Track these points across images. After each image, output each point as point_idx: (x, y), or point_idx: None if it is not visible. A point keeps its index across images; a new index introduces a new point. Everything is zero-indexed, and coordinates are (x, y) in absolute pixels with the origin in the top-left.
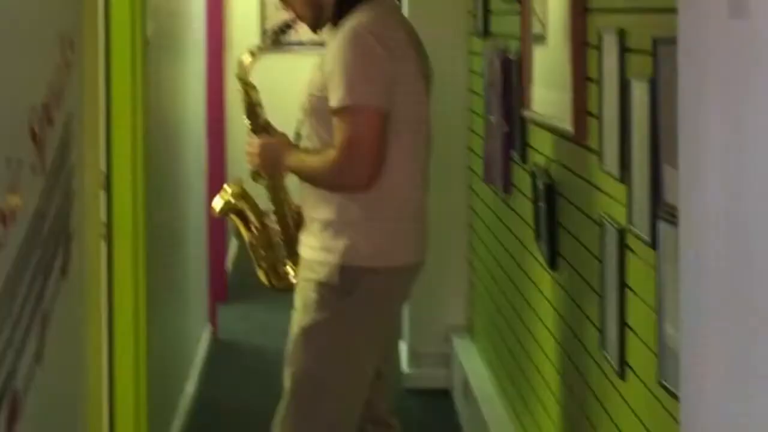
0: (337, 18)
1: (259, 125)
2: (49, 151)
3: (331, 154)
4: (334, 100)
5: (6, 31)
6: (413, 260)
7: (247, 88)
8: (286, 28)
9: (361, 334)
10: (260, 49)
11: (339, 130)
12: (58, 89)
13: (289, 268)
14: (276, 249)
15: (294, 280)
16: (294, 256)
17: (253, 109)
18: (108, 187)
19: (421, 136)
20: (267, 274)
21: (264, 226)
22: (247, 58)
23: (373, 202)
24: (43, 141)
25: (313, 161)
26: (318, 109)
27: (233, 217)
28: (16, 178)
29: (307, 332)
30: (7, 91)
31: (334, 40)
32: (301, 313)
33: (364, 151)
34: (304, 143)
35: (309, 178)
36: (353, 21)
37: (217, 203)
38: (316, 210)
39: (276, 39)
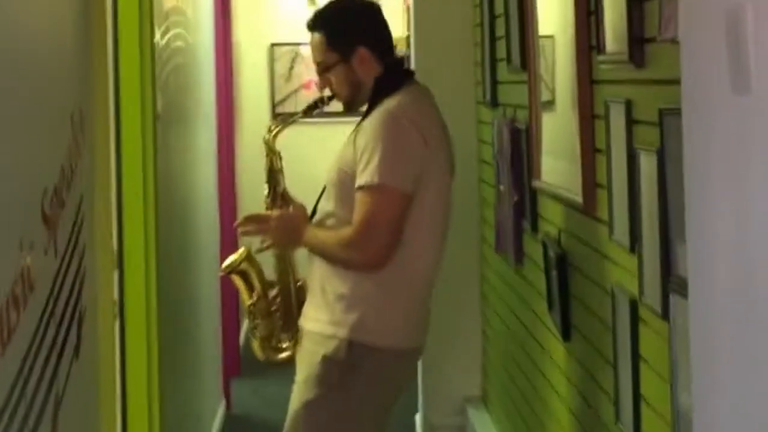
0: (373, 100)
1: (278, 193)
2: (62, 233)
3: (348, 230)
4: (364, 176)
5: (18, 114)
6: (417, 344)
7: (272, 155)
8: (320, 103)
9: (363, 411)
10: (290, 118)
11: (361, 206)
12: (69, 170)
13: (282, 343)
14: (273, 320)
15: (286, 355)
16: (290, 330)
17: (274, 176)
18: (120, 266)
19: (442, 220)
20: (261, 345)
21: (265, 295)
22: (275, 126)
23: (389, 280)
24: (56, 223)
25: (327, 237)
26: (345, 184)
27: (236, 278)
28: (29, 261)
29: (309, 406)
30: (19, 175)
31: (370, 120)
32: (303, 387)
33: (381, 230)
34: (322, 217)
35: (323, 254)
36: (391, 103)
37: (226, 264)
38: (330, 282)
39: (307, 112)
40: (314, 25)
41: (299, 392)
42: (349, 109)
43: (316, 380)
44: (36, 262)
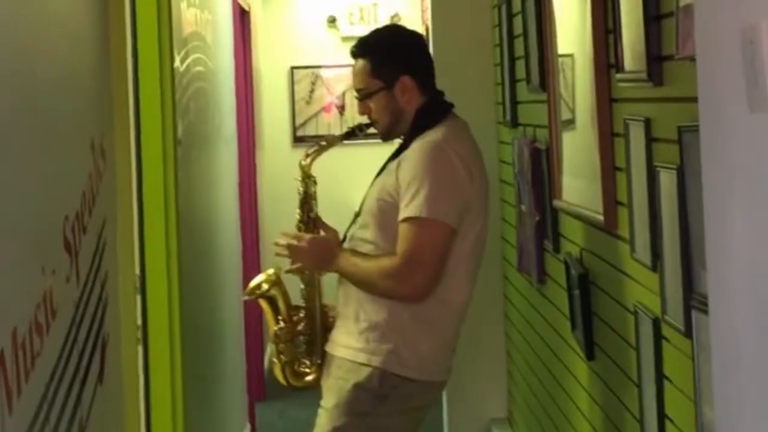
0: (413, 130)
1: (310, 218)
2: (83, 259)
3: (391, 260)
4: (410, 209)
5: (39, 140)
6: (445, 377)
7: (308, 179)
8: (358, 131)
9: None
10: (326, 143)
11: (407, 237)
12: (90, 197)
13: (305, 368)
14: (297, 345)
15: (309, 379)
16: (314, 356)
17: (307, 200)
18: (143, 290)
19: (480, 254)
20: (283, 370)
21: (291, 319)
22: (312, 151)
23: (426, 313)
24: (77, 250)
25: (367, 266)
26: (385, 214)
27: (263, 303)
28: (51, 289)
29: None
30: (40, 201)
31: (414, 151)
32: (331, 413)
33: (426, 263)
34: (355, 245)
35: (360, 282)
36: (435, 135)
37: (252, 285)
38: (364, 310)
39: (345, 138)
40: (359, 51)
41: (328, 418)
42: (386, 138)
43: (346, 407)
44: (58, 289)
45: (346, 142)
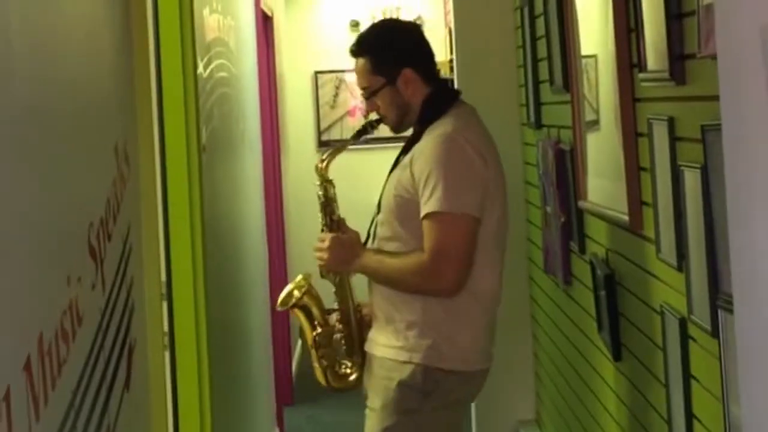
0: (422, 122)
1: (333, 221)
2: (109, 266)
3: (420, 257)
4: (432, 204)
5: (62, 147)
6: (488, 365)
7: (326, 183)
8: (369, 128)
9: None
10: (340, 145)
11: (432, 234)
12: (115, 203)
13: (347, 369)
14: (336, 347)
15: (352, 379)
16: (353, 356)
17: (328, 204)
18: (169, 296)
19: (503, 242)
20: (325, 373)
21: (326, 323)
22: (326, 154)
23: (458, 305)
24: (102, 257)
25: (396, 263)
26: (402, 209)
27: (297, 312)
28: (77, 296)
29: None
30: (64, 208)
31: (426, 144)
32: (380, 413)
33: (455, 257)
34: (380, 244)
35: (389, 279)
36: (445, 126)
37: (284, 294)
38: (397, 310)
39: (357, 137)
40: (358, 50)
41: (377, 419)
42: (399, 131)
43: (394, 406)
44: (83, 296)
45: (368, 144)
